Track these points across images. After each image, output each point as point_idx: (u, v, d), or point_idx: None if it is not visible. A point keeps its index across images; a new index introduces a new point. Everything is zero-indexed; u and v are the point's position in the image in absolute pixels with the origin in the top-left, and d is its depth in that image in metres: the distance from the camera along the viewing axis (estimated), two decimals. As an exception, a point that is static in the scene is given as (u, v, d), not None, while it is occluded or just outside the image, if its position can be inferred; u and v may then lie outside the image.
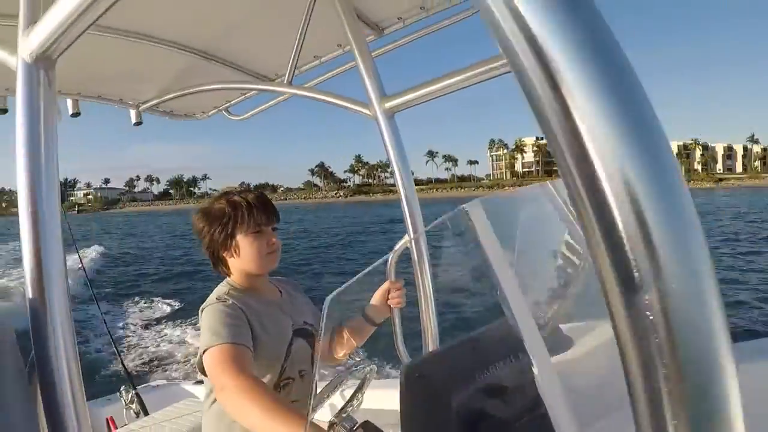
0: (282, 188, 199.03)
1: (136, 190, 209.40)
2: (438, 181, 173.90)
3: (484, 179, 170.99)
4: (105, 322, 5.33)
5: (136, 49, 2.40)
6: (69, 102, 3.01)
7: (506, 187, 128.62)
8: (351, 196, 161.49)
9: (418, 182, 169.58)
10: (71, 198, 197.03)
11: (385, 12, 2.42)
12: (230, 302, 1.77)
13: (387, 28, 2.50)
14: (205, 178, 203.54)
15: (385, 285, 2.12)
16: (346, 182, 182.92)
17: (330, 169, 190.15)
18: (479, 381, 0.99)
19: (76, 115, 3.04)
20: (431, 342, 2.35)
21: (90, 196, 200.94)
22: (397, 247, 2.26)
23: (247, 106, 3.23)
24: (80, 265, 5.37)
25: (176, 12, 2.24)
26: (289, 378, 1.85)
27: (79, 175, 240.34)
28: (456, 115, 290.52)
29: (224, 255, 1.90)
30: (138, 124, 3.18)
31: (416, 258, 2.30)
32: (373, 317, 2.08)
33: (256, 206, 1.90)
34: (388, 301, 2.10)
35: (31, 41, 1.11)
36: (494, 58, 1.84)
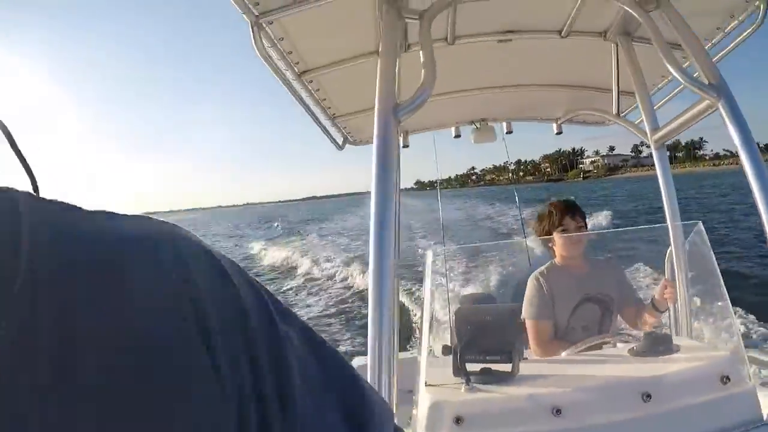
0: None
1: (642, 155, 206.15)
2: None
3: None
4: None
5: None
6: (504, 124, 4.29)
7: None
8: None
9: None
10: (580, 166, 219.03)
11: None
12: (538, 282, 2.78)
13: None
14: (701, 141, 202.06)
15: (663, 282, 2.62)
16: None
17: None
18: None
19: (509, 132, 4.31)
20: (684, 325, 2.66)
21: (597, 163, 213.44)
22: (668, 250, 2.70)
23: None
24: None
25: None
26: (573, 328, 2.71)
27: (586, 144, 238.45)
28: None
29: (549, 244, 2.91)
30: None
31: (675, 260, 2.66)
32: (657, 306, 2.59)
33: (563, 212, 2.86)
34: (664, 296, 2.56)
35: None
36: None
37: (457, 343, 1.76)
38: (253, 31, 2.16)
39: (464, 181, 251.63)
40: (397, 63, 2.01)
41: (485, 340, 1.75)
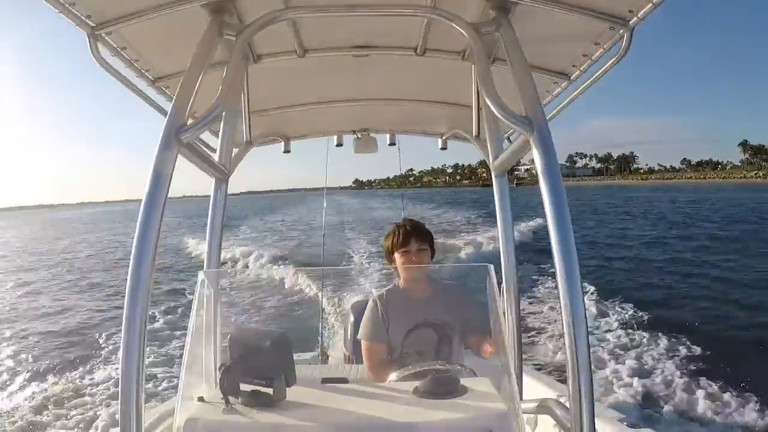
0: (730, 165, 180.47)
1: (577, 165, 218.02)
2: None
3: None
4: None
5: None
6: (387, 136, 4.30)
7: None
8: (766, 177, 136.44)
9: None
10: (516, 173, 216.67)
11: None
12: (375, 305, 2.78)
13: None
14: (632, 155, 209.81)
15: None
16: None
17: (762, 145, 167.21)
18: None
19: (392, 144, 4.32)
20: (511, 358, 2.44)
21: (531, 171, 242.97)
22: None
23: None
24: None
25: None
26: (407, 352, 2.64)
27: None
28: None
29: (393, 265, 2.87)
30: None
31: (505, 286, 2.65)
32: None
33: (406, 233, 2.77)
34: None
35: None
36: None
37: (228, 362, 1.75)
38: (90, 42, 2.17)
39: (402, 182, 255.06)
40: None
41: (252, 363, 1.73)
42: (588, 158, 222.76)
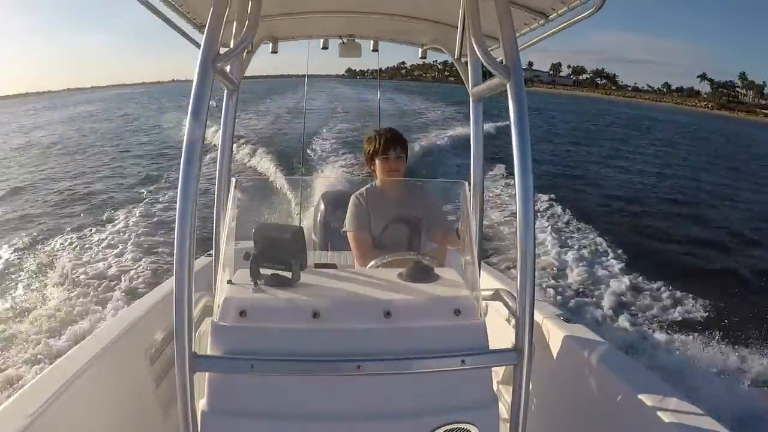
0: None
1: (560, 74, 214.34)
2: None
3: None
4: None
5: None
6: (371, 42, 4.09)
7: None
8: (715, 109, 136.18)
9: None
10: None
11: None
12: (358, 200, 2.97)
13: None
14: (602, 70, 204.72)
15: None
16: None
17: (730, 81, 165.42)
18: None
19: (375, 50, 4.20)
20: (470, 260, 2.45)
21: None
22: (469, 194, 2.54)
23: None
24: None
25: None
26: (385, 245, 2.84)
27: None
28: None
29: (372, 168, 3.03)
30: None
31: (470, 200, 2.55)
32: (460, 235, 2.52)
33: (386, 141, 2.91)
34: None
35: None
36: None
37: (254, 252, 2.00)
38: None
39: (393, 74, 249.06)
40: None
41: (274, 251, 1.98)
42: (569, 68, 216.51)
